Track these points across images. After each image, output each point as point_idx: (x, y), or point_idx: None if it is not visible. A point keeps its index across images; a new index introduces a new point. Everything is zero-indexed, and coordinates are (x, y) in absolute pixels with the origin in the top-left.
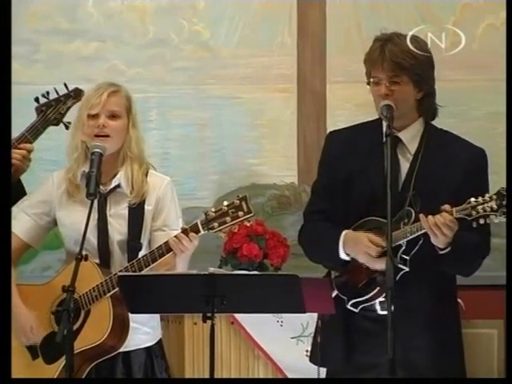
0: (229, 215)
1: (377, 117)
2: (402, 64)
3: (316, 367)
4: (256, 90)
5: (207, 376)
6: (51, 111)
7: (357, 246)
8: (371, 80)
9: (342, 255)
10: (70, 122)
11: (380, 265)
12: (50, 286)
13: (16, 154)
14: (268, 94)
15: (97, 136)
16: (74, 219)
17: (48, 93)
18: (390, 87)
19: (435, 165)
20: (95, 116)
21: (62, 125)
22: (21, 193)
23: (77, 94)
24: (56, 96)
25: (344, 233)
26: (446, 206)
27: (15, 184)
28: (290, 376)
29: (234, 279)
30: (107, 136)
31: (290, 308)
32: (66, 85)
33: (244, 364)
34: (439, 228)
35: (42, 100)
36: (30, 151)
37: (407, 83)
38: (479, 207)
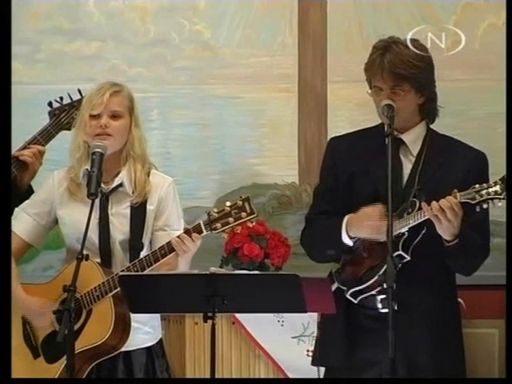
0: (231, 216)
1: (377, 117)
2: (403, 74)
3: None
4: (257, 89)
5: (208, 376)
6: (64, 115)
7: (359, 222)
8: (372, 89)
9: (346, 239)
10: None
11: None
12: (52, 285)
13: (26, 151)
14: (269, 94)
15: (99, 135)
16: (75, 217)
17: (62, 98)
18: (392, 96)
19: (437, 167)
20: (97, 116)
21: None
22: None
23: None
24: (69, 101)
25: (347, 216)
26: (455, 190)
27: (25, 190)
28: (290, 376)
29: (235, 279)
30: (109, 135)
31: (290, 308)
32: (79, 90)
33: (245, 364)
34: (444, 212)
35: (55, 104)
36: (40, 151)
37: (409, 91)
38: (483, 191)
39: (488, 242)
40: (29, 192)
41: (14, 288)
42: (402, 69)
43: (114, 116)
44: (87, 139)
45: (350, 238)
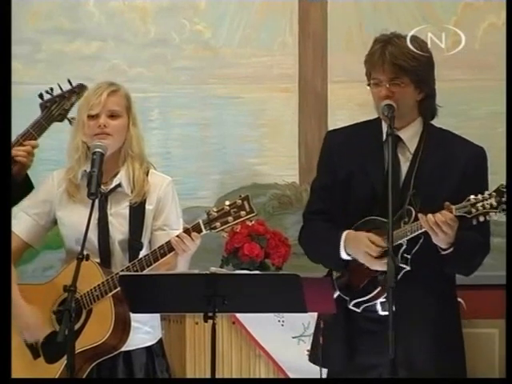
0: (231, 215)
1: (376, 116)
2: (403, 66)
3: (317, 367)
4: (257, 89)
5: (208, 376)
6: (55, 107)
7: (357, 246)
8: (371, 81)
9: (344, 255)
10: (74, 118)
11: (380, 265)
12: (51, 285)
13: (20, 151)
14: (269, 94)
15: (97, 135)
16: (75, 219)
17: (52, 89)
18: (391, 89)
19: (435, 164)
20: (96, 116)
21: (63, 124)
22: (29, 187)
23: (81, 90)
24: (60, 92)
25: (345, 233)
26: (447, 203)
27: (23, 179)
28: (291, 376)
29: (236, 279)
30: (108, 135)
31: (291, 307)
32: (69, 81)
33: (245, 364)
34: (439, 226)
35: (46, 96)
36: (34, 147)
37: (408, 85)
38: (479, 204)
39: (488, 240)
40: (26, 181)
41: (16, 301)
42: (403, 60)
43: (112, 116)
44: (86, 140)
45: (349, 254)
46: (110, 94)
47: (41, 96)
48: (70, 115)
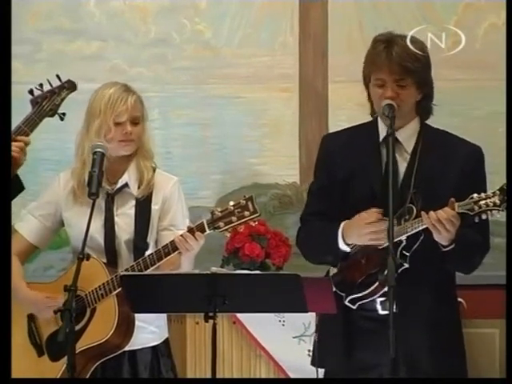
0: (235, 215)
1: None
2: (408, 67)
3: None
4: (258, 89)
5: (209, 376)
6: (46, 103)
7: (357, 228)
8: (374, 82)
9: (342, 246)
10: (64, 113)
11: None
12: (57, 284)
13: (14, 146)
14: (270, 94)
15: (123, 141)
16: (81, 220)
17: (42, 85)
18: (396, 90)
19: (433, 163)
20: (122, 123)
21: (64, 124)
22: (18, 188)
23: (70, 85)
24: (50, 88)
25: (342, 224)
26: (452, 200)
27: (12, 179)
28: (291, 376)
29: (236, 279)
30: (132, 141)
31: (291, 307)
32: (58, 76)
33: (246, 363)
34: (442, 223)
35: (37, 92)
36: (26, 144)
37: (411, 86)
38: (482, 202)
39: (488, 239)
40: (16, 181)
41: (19, 285)
42: (408, 62)
43: (134, 122)
44: (107, 144)
45: (347, 244)
46: (135, 100)
47: (31, 92)
48: (60, 110)
